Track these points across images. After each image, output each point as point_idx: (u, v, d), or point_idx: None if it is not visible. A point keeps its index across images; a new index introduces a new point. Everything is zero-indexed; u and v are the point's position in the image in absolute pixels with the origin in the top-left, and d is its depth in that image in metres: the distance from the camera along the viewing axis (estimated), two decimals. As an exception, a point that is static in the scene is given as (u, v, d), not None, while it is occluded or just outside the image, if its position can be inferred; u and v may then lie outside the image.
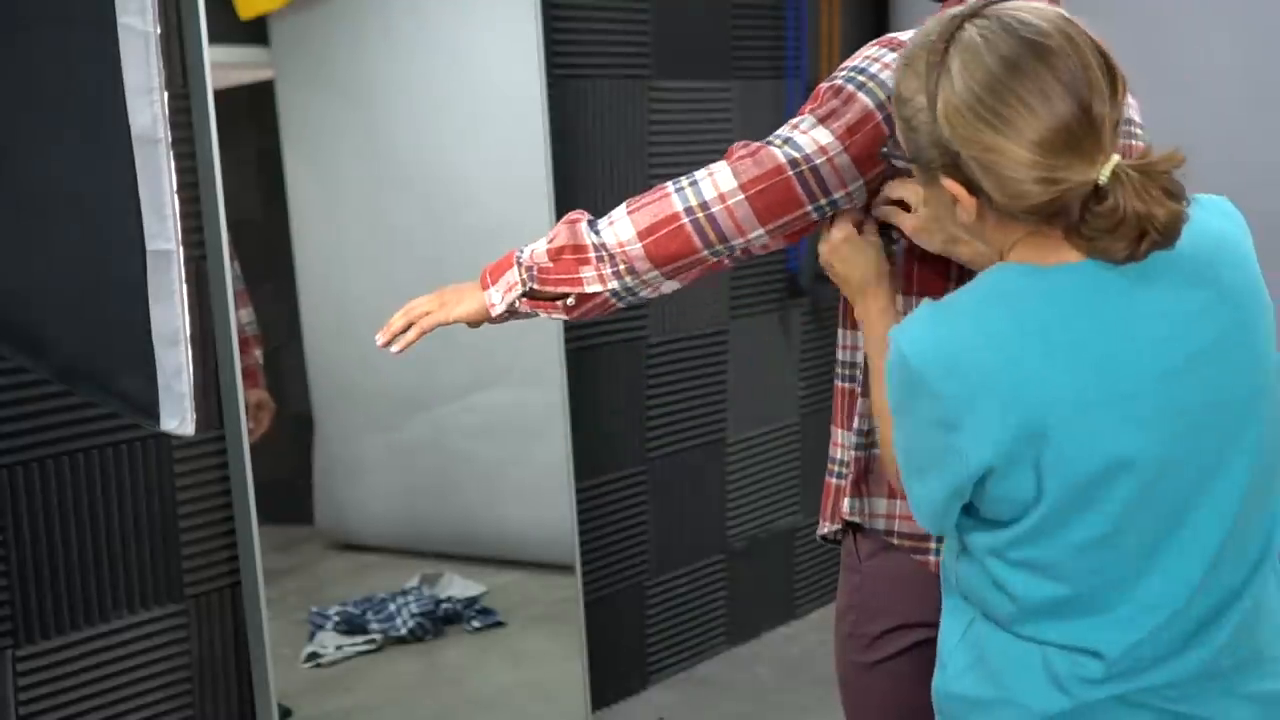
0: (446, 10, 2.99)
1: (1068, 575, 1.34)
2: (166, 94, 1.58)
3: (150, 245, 1.60)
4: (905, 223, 1.55)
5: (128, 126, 1.57)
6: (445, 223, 3.02)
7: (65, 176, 1.59)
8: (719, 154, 1.64)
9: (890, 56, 1.61)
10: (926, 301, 1.39)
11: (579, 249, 1.64)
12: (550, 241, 1.66)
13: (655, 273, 1.63)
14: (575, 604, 3.11)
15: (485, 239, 3.05)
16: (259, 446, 2.52)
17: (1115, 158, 1.26)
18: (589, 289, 1.65)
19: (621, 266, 1.62)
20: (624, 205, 1.65)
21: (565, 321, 1.74)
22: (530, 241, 1.71)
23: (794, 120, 1.62)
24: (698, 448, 3.54)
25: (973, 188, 1.32)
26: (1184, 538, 1.34)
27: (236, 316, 2.49)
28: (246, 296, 2.62)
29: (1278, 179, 2.88)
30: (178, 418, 1.66)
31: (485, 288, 1.72)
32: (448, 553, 3.15)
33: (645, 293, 1.68)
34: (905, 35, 1.65)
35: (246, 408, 2.50)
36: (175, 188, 1.60)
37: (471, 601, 3.12)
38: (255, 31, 2.72)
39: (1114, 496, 1.31)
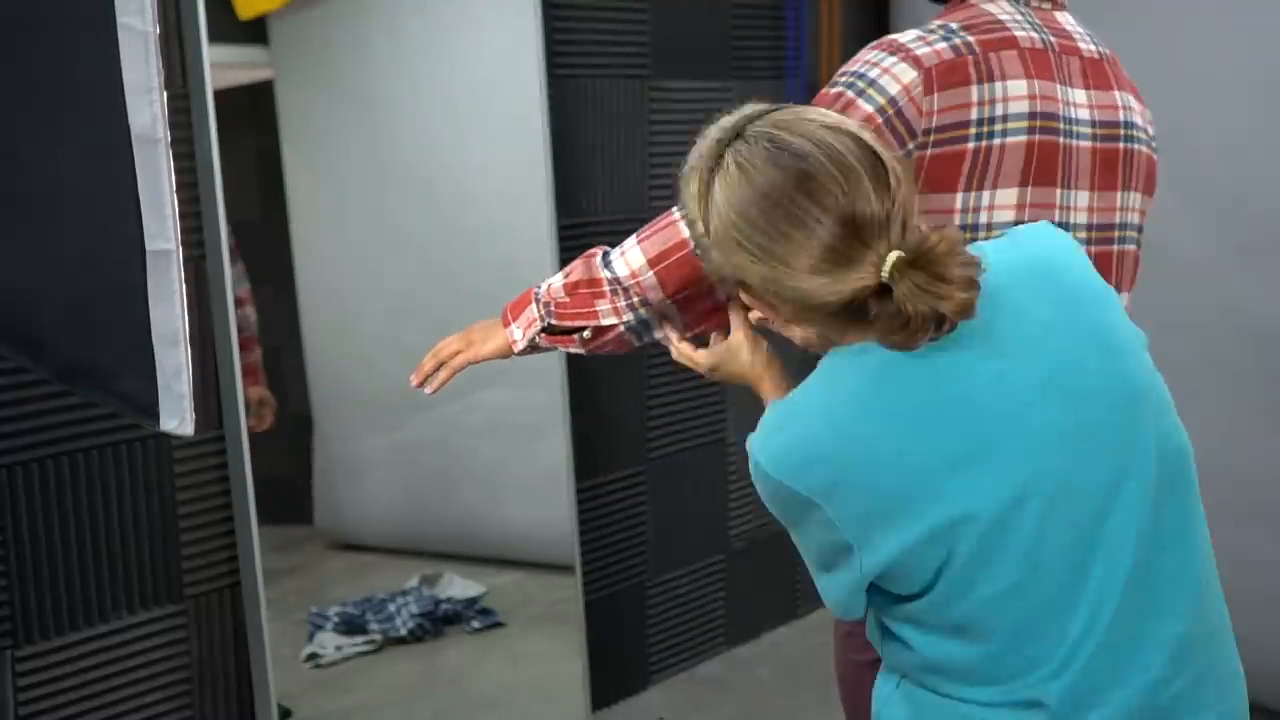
0: (447, 10, 2.99)
1: (991, 631, 1.29)
2: (166, 94, 1.58)
3: (150, 245, 1.60)
4: (753, 317, 1.49)
5: (127, 126, 1.56)
6: (445, 223, 3.02)
7: (65, 176, 1.59)
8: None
9: (890, 60, 1.62)
10: (771, 406, 1.37)
11: (594, 283, 1.66)
12: (566, 276, 1.70)
13: (668, 302, 1.64)
14: (575, 604, 3.11)
15: (485, 239, 3.06)
16: (259, 446, 2.52)
17: (893, 255, 1.22)
18: (605, 322, 1.67)
19: (635, 299, 1.65)
20: (634, 235, 1.67)
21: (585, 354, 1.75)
22: (541, 268, 1.74)
23: None
24: (698, 448, 3.54)
25: (771, 302, 1.32)
26: (1099, 561, 1.28)
27: (239, 315, 2.49)
28: (250, 295, 2.62)
29: (1278, 179, 2.88)
30: (177, 418, 1.66)
31: (506, 325, 1.75)
32: (448, 553, 3.15)
33: (658, 334, 1.69)
34: (904, 38, 1.65)
35: (248, 405, 2.50)
36: (175, 188, 1.60)
37: (471, 602, 3.12)
38: (255, 31, 2.72)
39: (1012, 543, 1.26)
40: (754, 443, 1.33)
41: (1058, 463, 1.27)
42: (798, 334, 1.39)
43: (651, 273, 1.62)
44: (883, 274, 1.22)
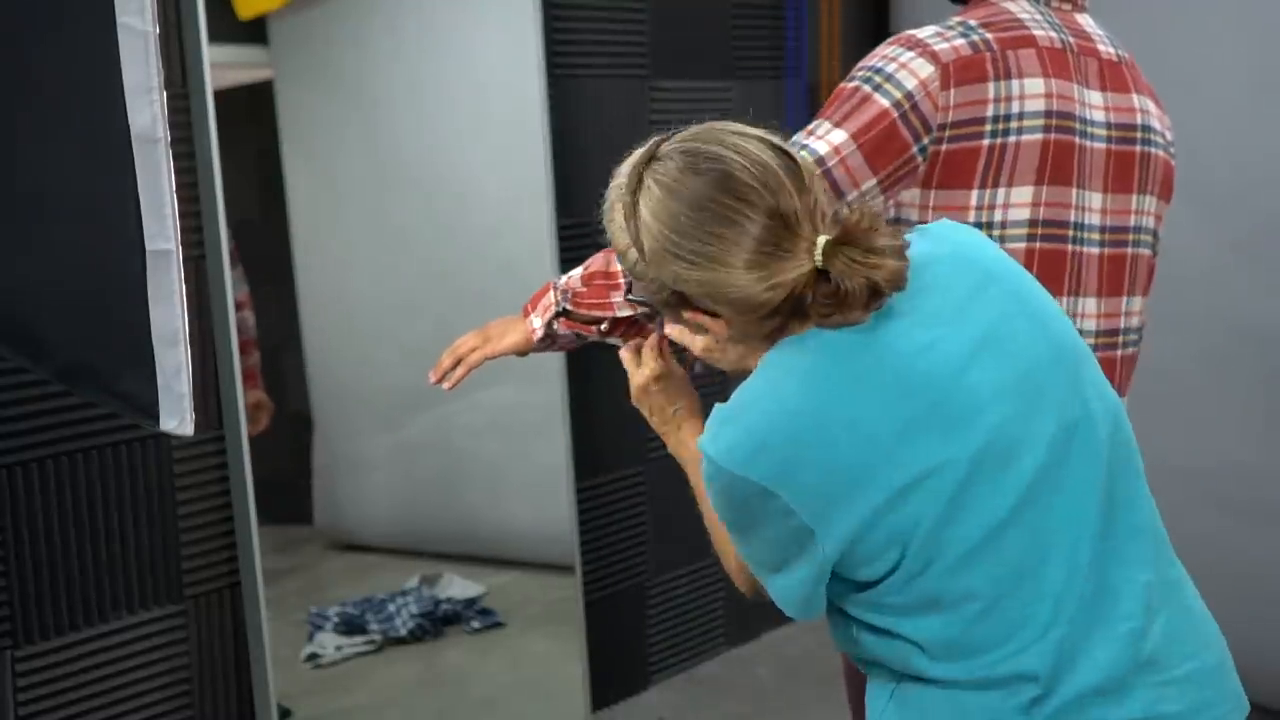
0: (447, 10, 2.99)
1: (966, 596, 1.29)
2: (166, 94, 1.58)
3: (150, 245, 1.60)
4: (695, 345, 1.47)
5: (127, 126, 1.56)
6: (445, 223, 3.02)
7: (65, 176, 1.59)
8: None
9: (907, 55, 1.62)
10: (717, 407, 1.37)
11: (610, 275, 1.68)
12: (586, 268, 1.71)
13: None
14: (575, 604, 3.11)
15: (485, 239, 3.06)
16: (259, 446, 2.52)
17: (821, 239, 1.26)
18: (620, 314, 1.69)
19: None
20: None
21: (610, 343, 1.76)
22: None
23: (812, 125, 1.65)
24: (698, 448, 3.54)
25: (712, 312, 1.33)
26: (1062, 511, 1.30)
27: (238, 319, 2.49)
28: (249, 299, 2.62)
29: (1278, 179, 2.88)
30: (177, 418, 1.66)
31: (526, 315, 1.77)
32: (447, 553, 3.15)
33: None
34: (923, 33, 1.66)
35: (245, 408, 2.50)
36: (174, 188, 1.60)
37: (471, 602, 3.12)
38: (255, 31, 2.72)
39: (973, 500, 1.27)
40: (704, 440, 1.33)
41: (1005, 417, 1.29)
42: (734, 356, 1.40)
43: None
44: (816, 258, 1.26)
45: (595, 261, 1.70)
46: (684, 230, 1.29)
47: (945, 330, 1.31)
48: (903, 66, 1.62)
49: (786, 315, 1.31)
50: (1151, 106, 1.79)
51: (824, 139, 1.61)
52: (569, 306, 1.72)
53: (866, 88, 1.62)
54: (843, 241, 1.26)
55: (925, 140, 1.61)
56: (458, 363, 1.79)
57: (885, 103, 1.60)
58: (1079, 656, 1.29)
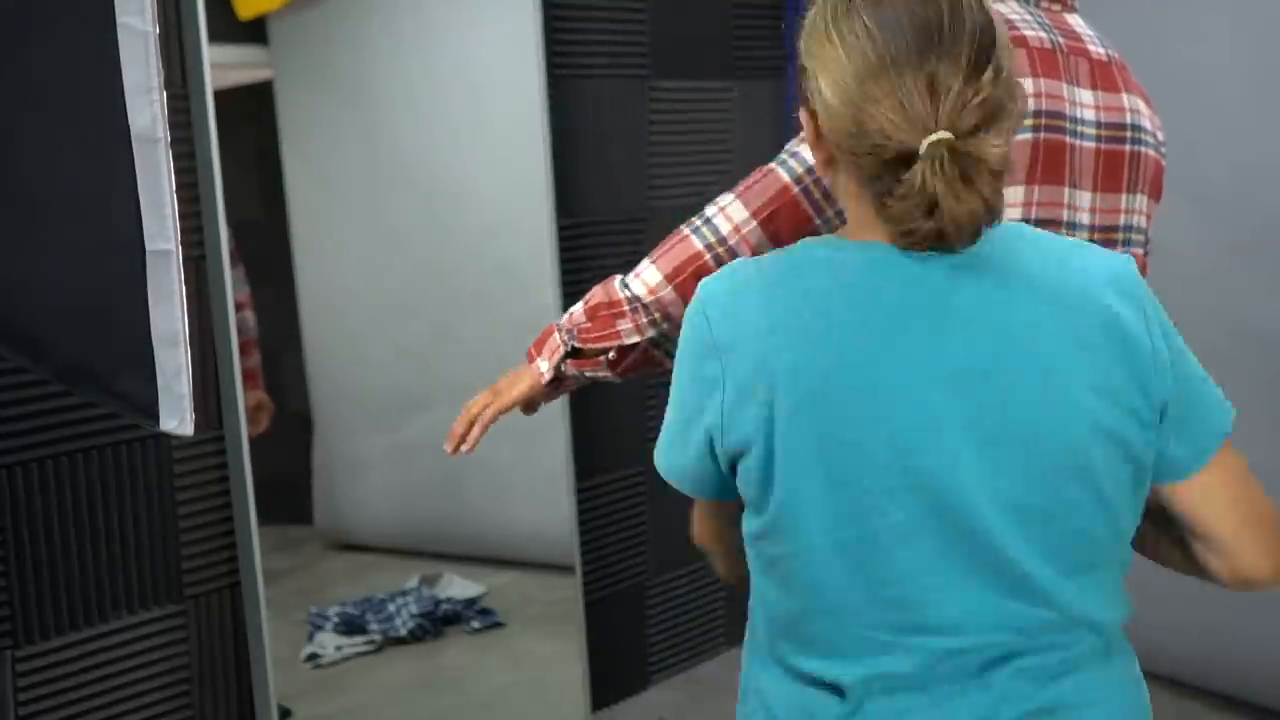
0: (446, 10, 2.99)
1: (808, 581, 1.22)
2: (166, 94, 1.58)
3: (150, 245, 1.60)
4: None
5: (127, 126, 1.57)
6: (445, 223, 3.02)
7: (64, 176, 1.59)
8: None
9: None
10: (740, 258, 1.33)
11: (613, 304, 1.68)
12: (586, 302, 1.72)
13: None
14: (575, 604, 3.11)
15: (485, 239, 3.06)
16: (259, 446, 2.52)
17: (941, 134, 1.14)
18: (627, 341, 1.69)
19: (656, 314, 1.67)
20: (647, 257, 1.70)
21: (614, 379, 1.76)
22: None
23: (802, 134, 1.64)
24: (698, 448, 3.54)
25: (811, 110, 1.25)
26: (960, 547, 1.18)
27: (238, 319, 2.49)
28: (250, 299, 2.62)
29: (1278, 179, 2.88)
30: (177, 418, 1.66)
31: (532, 360, 1.76)
32: (447, 553, 3.15)
33: None
34: None
35: (245, 409, 2.50)
36: (175, 188, 1.60)
37: (471, 602, 3.12)
38: (255, 31, 2.72)
39: (861, 480, 1.18)
40: (708, 280, 1.29)
41: (911, 420, 1.18)
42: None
43: (670, 288, 1.65)
44: (922, 145, 1.14)
45: (595, 294, 1.71)
46: (848, 7, 1.21)
47: (969, 330, 1.19)
48: None
49: (856, 179, 1.22)
50: (1142, 106, 1.79)
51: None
52: (576, 344, 1.71)
53: None
54: (954, 153, 1.14)
55: None
56: (470, 424, 1.76)
57: None
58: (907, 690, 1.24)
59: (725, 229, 1.63)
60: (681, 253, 1.66)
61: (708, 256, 1.63)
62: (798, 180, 1.60)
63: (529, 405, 1.80)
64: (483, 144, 3.04)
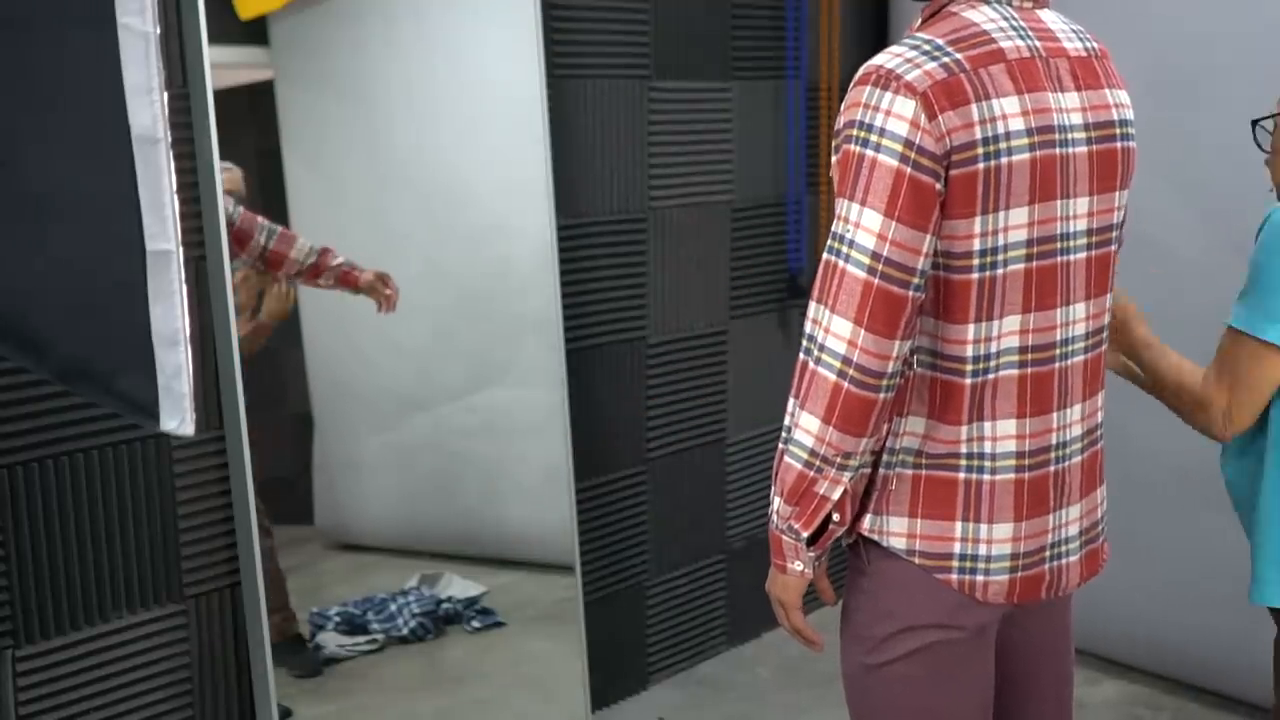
0: (446, 10, 2.99)
1: None
2: (166, 94, 1.58)
3: (150, 245, 1.60)
4: None
5: (127, 126, 1.57)
6: (445, 223, 3.02)
7: (65, 176, 1.59)
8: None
9: (886, 98, 1.57)
10: None
11: (800, 478, 1.66)
12: (779, 495, 1.69)
13: (860, 441, 1.63)
14: (575, 604, 3.11)
15: (485, 239, 3.06)
16: (259, 447, 2.52)
17: None
18: (834, 496, 1.66)
19: (837, 460, 1.64)
20: (791, 401, 1.67)
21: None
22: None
23: (839, 210, 1.61)
24: (698, 448, 3.54)
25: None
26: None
27: (299, 247, 2.66)
28: (291, 235, 2.75)
29: (1278, 179, 2.87)
30: (178, 418, 1.66)
31: (785, 571, 1.74)
32: (448, 553, 3.15)
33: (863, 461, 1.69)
34: (890, 63, 1.60)
35: (370, 283, 2.74)
36: (175, 188, 1.60)
37: (471, 601, 3.12)
38: (255, 31, 2.71)
39: None
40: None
41: None
42: None
43: (832, 428, 1.62)
44: None
45: (778, 485, 1.69)
46: None
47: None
48: (888, 113, 1.57)
49: None
50: (1124, 98, 1.78)
51: (863, 227, 1.58)
52: (806, 533, 1.69)
53: (869, 152, 1.58)
54: None
55: (941, 172, 1.58)
56: (799, 633, 1.79)
57: (893, 162, 1.56)
58: None
59: (841, 349, 1.59)
60: (822, 387, 1.61)
61: (846, 384, 1.60)
62: (870, 270, 1.57)
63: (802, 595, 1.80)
64: (483, 144, 3.04)
